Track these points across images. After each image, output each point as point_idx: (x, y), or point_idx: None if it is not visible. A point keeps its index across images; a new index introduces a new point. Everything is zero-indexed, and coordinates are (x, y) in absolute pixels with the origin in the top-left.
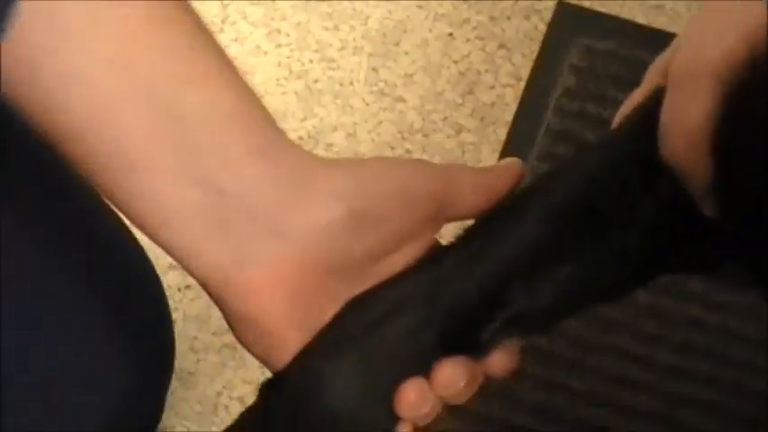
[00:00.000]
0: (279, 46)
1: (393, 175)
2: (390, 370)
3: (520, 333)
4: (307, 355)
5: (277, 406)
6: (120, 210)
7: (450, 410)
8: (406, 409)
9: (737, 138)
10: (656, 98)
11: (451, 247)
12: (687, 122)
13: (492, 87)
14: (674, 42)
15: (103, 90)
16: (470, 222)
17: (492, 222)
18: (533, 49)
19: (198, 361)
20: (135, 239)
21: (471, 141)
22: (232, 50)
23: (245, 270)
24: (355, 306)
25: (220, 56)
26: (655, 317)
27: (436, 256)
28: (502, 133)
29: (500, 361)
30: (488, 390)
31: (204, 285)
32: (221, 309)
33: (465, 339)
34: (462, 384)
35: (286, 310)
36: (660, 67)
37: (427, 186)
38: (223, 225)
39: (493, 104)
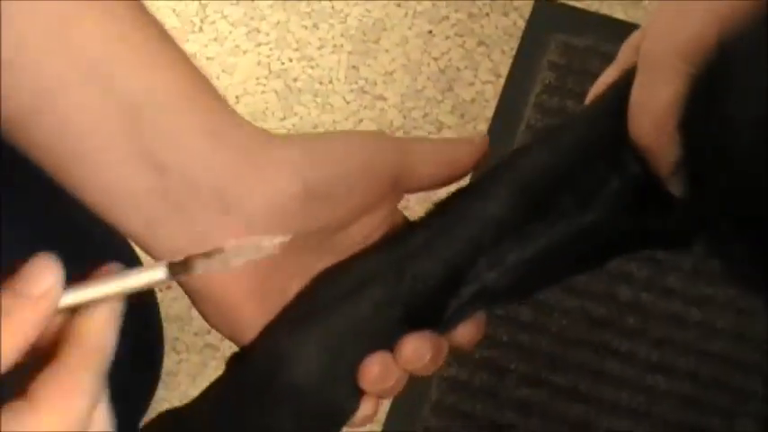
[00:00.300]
0: (258, 45)
1: (349, 148)
2: (355, 345)
3: (485, 307)
4: (272, 330)
5: (242, 379)
6: (78, 196)
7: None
8: (370, 384)
9: (704, 120)
10: (628, 77)
11: (419, 223)
12: (654, 103)
13: (472, 84)
14: (647, 21)
15: (48, 75)
16: (440, 198)
17: (459, 199)
18: (512, 45)
19: (180, 362)
20: (125, 239)
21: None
22: (211, 50)
23: (201, 250)
24: (322, 281)
25: (166, 40)
26: (636, 312)
27: (403, 232)
28: (482, 129)
29: (466, 332)
30: (471, 387)
31: None
32: (185, 290)
33: (430, 314)
34: (428, 358)
35: (247, 287)
36: (633, 44)
37: (385, 159)
38: (176, 206)
39: (473, 101)
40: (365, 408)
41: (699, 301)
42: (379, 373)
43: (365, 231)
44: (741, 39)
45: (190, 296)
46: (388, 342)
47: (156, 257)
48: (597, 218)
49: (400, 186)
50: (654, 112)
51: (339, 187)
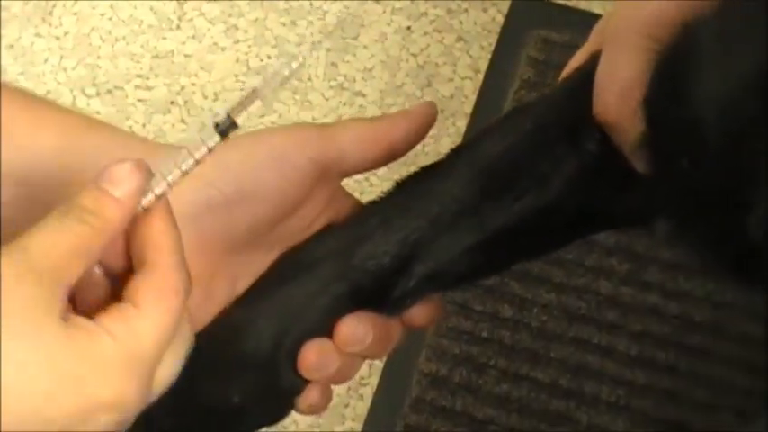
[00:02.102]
0: (237, 42)
1: (262, 148)
2: (300, 323)
3: (438, 289)
4: (231, 306)
5: (198, 348)
6: None
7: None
8: (307, 371)
9: (666, 97)
10: (594, 60)
11: (377, 202)
12: (618, 78)
13: (451, 80)
14: (613, 4)
15: None
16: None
17: (418, 178)
18: (491, 41)
19: None
20: None
21: (431, 134)
22: (189, 47)
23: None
24: (281, 261)
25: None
26: (615, 306)
27: (361, 211)
28: (461, 125)
29: (420, 314)
30: (451, 383)
31: None
32: None
33: (378, 295)
34: (368, 340)
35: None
36: (601, 29)
37: (302, 150)
38: None
39: (452, 97)
40: (310, 395)
41: (677, 295)
42: (316, 361)
43: (306, 220)
44: (705, 19)
45: None
46: (332, 320)
47: None
48: (555, 198)
49: (330, 172)
50: (618, 88)
51: (257, 186)
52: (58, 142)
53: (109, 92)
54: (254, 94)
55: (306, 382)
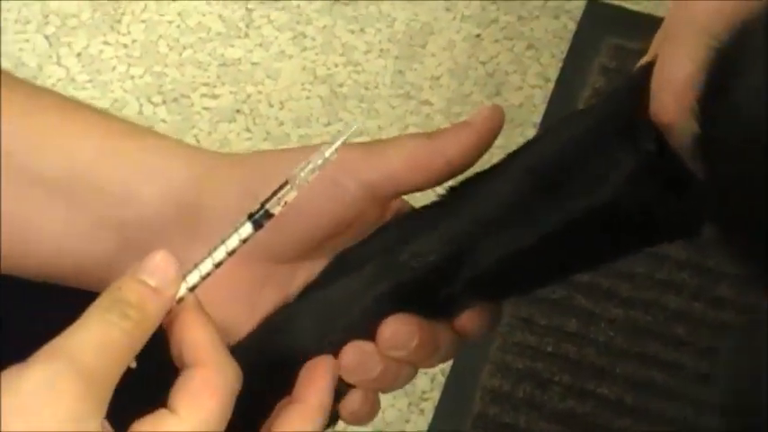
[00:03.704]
0: (304, 50)
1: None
2: (342, 323)
3: (486, 296)
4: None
5: (242, 346)
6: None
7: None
8: (346, 373)
9: (720, 94)
10: (653, 59)
11: (428, 205)
12: (675, 77)
13: (520, 88)
14: (672, 3)
15: None
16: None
17: (469, 182)
18: (562, 48)
19: None
20: None
21: (498, 144)
22: (257, 55)
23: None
24: (332, 262)
25: (66, 105)
26: (684, 322)
27: (410, 213)
28: (530, 135)
29: (470, 321)
30: (514, 399)
31: None
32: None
33: (423, 296)
34: (413, 344)
35: (237, 306)
36: (662, 33)
37: (350, 173)
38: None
39: (521, 106)
40: (351, 400)
41: (749, 311)
42: (356, 362)
43: (360, 235)
44: (763, 17)
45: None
46: (374, 321)
47: None
48: (609, 199)
49: (383, 192)
50: (674, 87)
51: (297, 205)
52: (100, 147)
53: (175, 100)
54: (286, 184)
55: (348, 386)
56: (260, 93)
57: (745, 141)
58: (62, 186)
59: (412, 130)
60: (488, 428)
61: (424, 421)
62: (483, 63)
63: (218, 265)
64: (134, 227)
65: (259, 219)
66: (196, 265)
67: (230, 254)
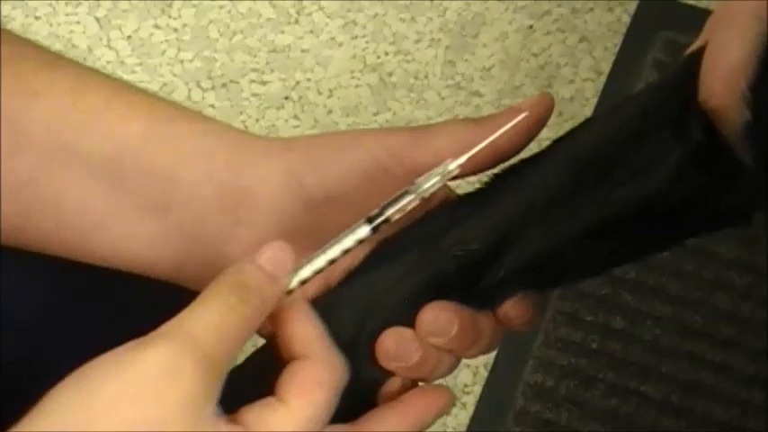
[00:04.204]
0: (354, 38)
1: (355, 151)
2: (381, 309)
3: (529, 286)
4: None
5: None
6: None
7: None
8: (385, 360)
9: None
10: (702, 48)
11: (471, 193)
12: (725, 61)
13: (571, 81)
14: None
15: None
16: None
17: (512, 170)
18: (615, 42)
19: None
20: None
21: (548, 137)
22: (307, 42)
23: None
24: (375, 249)
25: (118, 87)
26: (733, 322)
27: (453, 201)
28: None
29: (514, 311)
30: (557, 395)
31: None
32: None
33: (464, 284)
34: (452, 331)
35: None
36: (714, 19)
37: (394, 156)
38: (188, 236)
39: (572, 99)
40: (389, 387)
41: None
42: (394, 348)
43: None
44: None
45: None
46: (415, 309)
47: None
48: (655, 188)
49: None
50: (724, 72)
51: (337, 188)
52: (146, 129)
53: (224, 85)
54: (406, 191)
55: (388, 374)
56: (309, 80)
57: None
58: (107, 167)
59: None
60: (530, 425)
61: (466, 415)
62: (535, 55)
63: (330, 262)
64: (177, 209)
65: (376, 220)
66: (309, 260)
67: (345, 252)
